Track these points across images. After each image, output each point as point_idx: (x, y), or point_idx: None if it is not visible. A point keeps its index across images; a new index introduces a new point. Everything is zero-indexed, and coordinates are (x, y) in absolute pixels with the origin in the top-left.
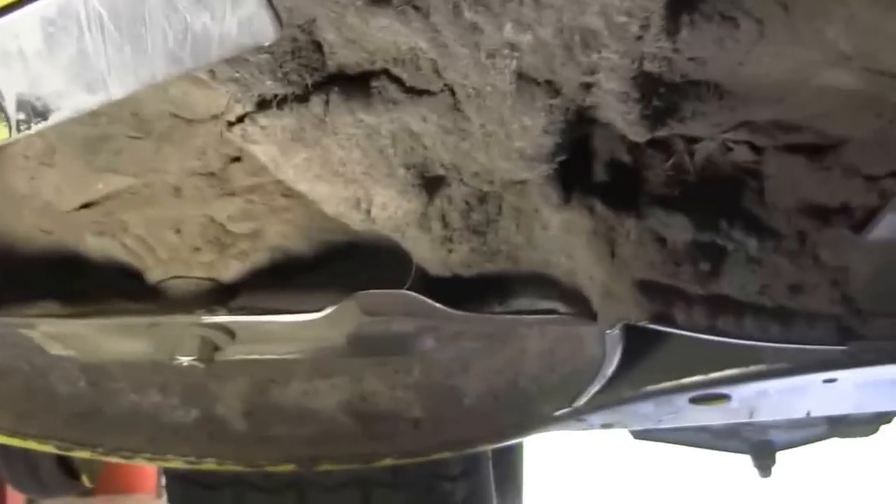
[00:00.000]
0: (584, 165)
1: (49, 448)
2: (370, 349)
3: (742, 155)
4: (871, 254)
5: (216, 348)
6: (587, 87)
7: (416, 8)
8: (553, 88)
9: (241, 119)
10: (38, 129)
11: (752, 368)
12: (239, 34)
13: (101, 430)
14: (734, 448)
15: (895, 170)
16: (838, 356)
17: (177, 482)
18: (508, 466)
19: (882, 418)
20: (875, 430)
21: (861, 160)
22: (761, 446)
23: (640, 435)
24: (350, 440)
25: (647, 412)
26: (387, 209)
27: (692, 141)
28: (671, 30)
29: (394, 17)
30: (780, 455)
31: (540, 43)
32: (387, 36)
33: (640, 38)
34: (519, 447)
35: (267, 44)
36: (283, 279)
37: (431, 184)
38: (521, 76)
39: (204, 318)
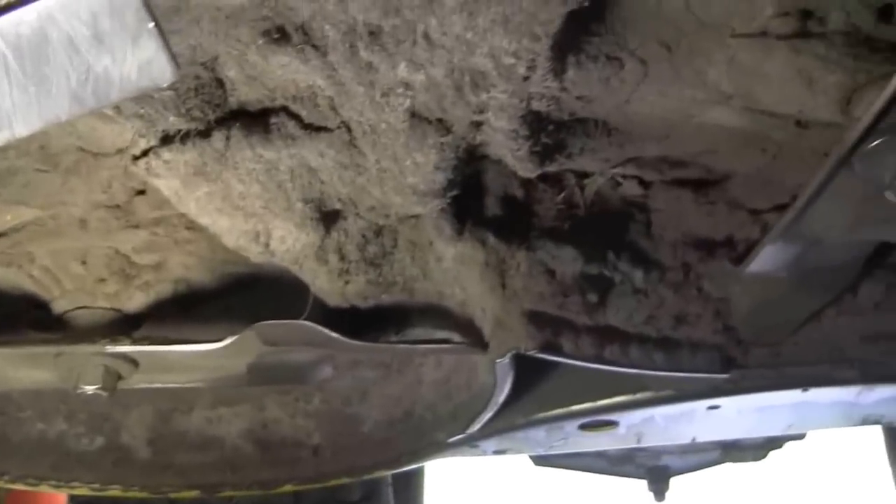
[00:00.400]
0: (477, 200)
1: None
2: (270, 378)
3: (630, 189)
4: (752, 286)
5: (120, 377)
6: (477, 125)
7: (315, 47)
8: (444, 126)
9: (145, 153)
10: None
11: (639, 396)
12: (139, 77)
13: (8, 457)
14: (630, 473)
15: (778, 204)
16: (721, 384)
17: None
18: (409, 492)
19: (772, 444)
20: (765, 455)
21: (745, 194)
22: (656, 471)
23: (539, 461)
24: (252, 467)
25: (539, 438)
26: (285, 242)
27: (582, 176)
28: (558, 70)
29: (293, 55)
30: (674, 480)
31: (432, 82)
32: (286, 74)
33: (527, 78)
34: (420, 472)
35: (165, 85)
36: (186, 310)
37: (328, 217)
38: (413, 114)
39: (108, 347)
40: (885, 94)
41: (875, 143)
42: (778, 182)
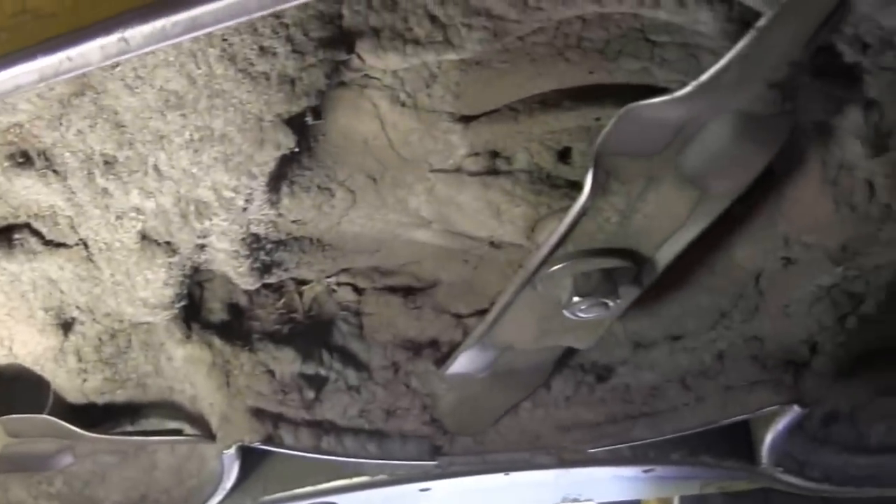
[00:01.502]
0: (205, 306)
1: None
2: (14, 467)
3: (345, 295)
4: (454, 384)
5: None
6: (202, 247)
7: (56, 171)
8: (172, 248)
9: None
10: None
11: (356, 480)
12: None
13: None
14: None
15: (479, 309)
16: (431, 469)
17: None
18: None
19: None
20: None
21: (449, 301)
22: None
23: None
24: None
25: None
26: (27, 346)
27: (301, 283)
28: (273, 201)
29: (36, 178)
30: None
31: (161, 209)
32: (30, 194)
33: (245, 209)
34: None
35: None
36: None
37: (67, 323)
38: (144, 237)
39: None
40: (562, 227)
41: (554, 268)
42: (479, 290)
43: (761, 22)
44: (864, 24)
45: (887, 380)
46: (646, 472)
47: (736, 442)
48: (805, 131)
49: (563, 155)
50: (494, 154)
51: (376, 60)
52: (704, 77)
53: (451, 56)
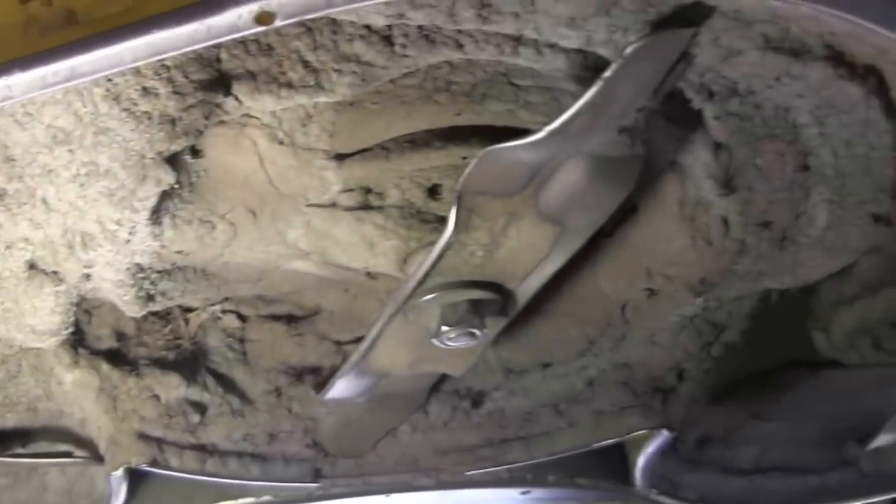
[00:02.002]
0: (93, 333)
1: None
2: None
3: (230, 323)
4: (334, 408)
5: None
6: (88, 276)
7: None
8: (59, 278)
9: None
10: None
11: (241, 501)
12: None
13: None
14: None
15: (358, 336)
16: (313, 491)
17: None
18: None
19: None
20: None
21: (331, 328)
22: None
23: None
24: None
25: None
26: None
27: (187, 311)
28: (156, 233)
29: None
30: None
31: (48, 240)
32: None
33: (129, 241)
34: None
35: None
36: None
37: None
38: (32, 266)
39: None
40: (428, 260)
41: (423, 299)
42: (359, 318)
43: (607, 72)
44: (708, 73)
45: (758, 404)
46: (523, 493)
47: (611, 465)
48: (664, 170)
49: (433, 191)
50: (367, 190)
51: (253, 102)
52: (555, 124)
53: (323, 99)
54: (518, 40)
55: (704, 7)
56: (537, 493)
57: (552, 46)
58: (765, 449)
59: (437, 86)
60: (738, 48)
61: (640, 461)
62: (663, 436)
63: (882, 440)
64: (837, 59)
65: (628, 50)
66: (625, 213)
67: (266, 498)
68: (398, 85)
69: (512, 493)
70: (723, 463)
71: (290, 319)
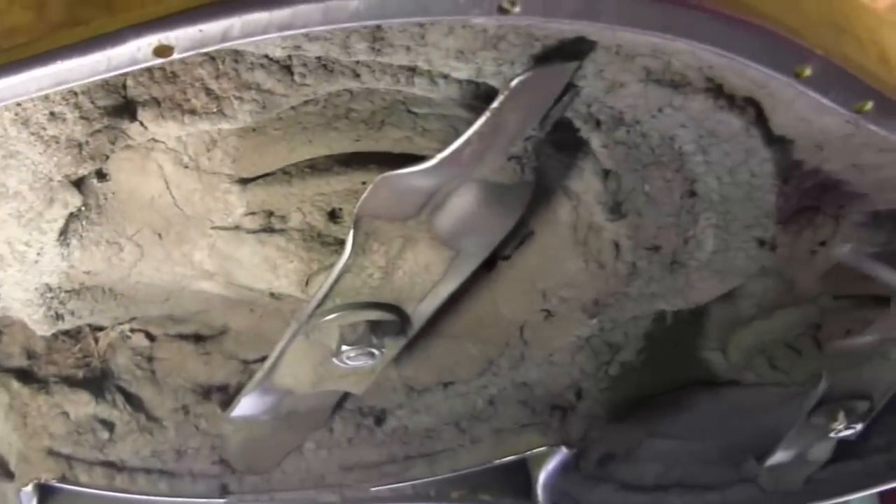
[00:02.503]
0: (3, 351)
1: None
2: None
3: (139, 342)
4: (239, 426)
5: None
6: None
7: None
8: None
9: None
10: None
11: None
12: None
13: None
14: None
15: (264, 355)
16: None
17: None
18: None
19: None
20: None
21: (238, 347)
22: None
23: None
24: None
25: None
26: None
27: (97, 329)
28: (64, 254)
29: None
30: None
31: None
32: None
33: (37, 261)
34: None
35: None
36: None
37: None
38: None
39: None
40: (327, 282)
41: (323, 319)
42: (265, 337)
43: (494, 104)
44: (594, 104)
45: (660, 422)
46: None
47: (514, 481)
48: (557, 196)
49: (334, 215)
50: (270, 213)
51: (157, 128)
52: (445, 153)
53: (225, 125)
54: (413, 70)
55: (587, 42)
56: None
57: (445, 77)
58: (666, 466)
59: (338, 113)
60: (621, 80)
61: (542, 478)
62: (563, 453)
63: (779, 457)
64: (717, 91)
65: (514, 82)
66: (522, 238)
67: None
68: (299, 112)
69: None
70: (625, 480)
71: (197, 339)
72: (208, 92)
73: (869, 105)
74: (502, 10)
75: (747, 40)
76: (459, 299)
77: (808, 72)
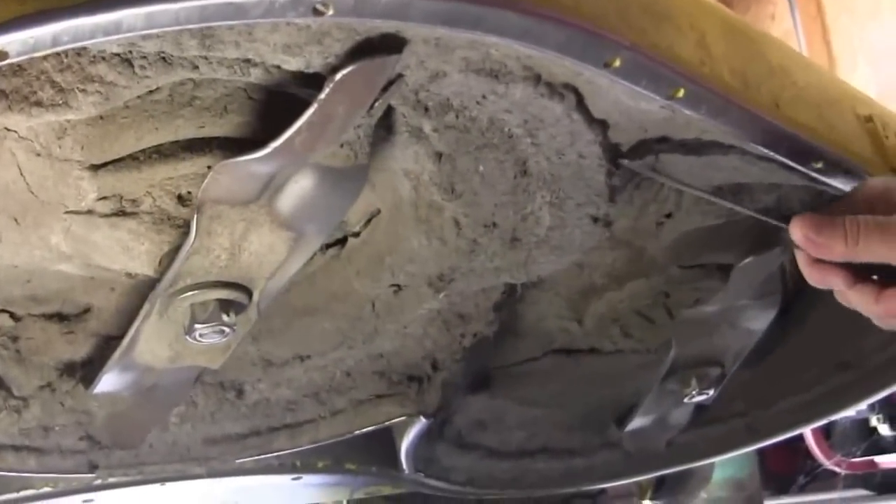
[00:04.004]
0: None
1: None
2: None
3: (3, 322)
4: (104, 402)
5: None
6: None
7: None
8: None
9: None
10: None
11: (23, 493)
12: None
13: None
14: None
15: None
16: (91, 481)
17: None
18: None
19: None
20: None
21: (102, 325)
22: None
23: None
24: None
25: None
26: None
27: None
28: None
29: None
30: None
31: None
32: None
33: None
34: None
35: None
36: None
37: None
38: None
39: None
40: (177, 263)
41: (176, 298)
42: (127, 315)
43: (322, 94)
44: (421, 92)
45: (523, 390)
46: (294, 479)
47: (380, 450)
48: (399, 178)
49: (182, 198)
50: (121, 198)
51: (6, 119)
52: (278, 141)
53: (71, 116)
54: (248, 62)
55: (404, 36)
56: (308, 479)
57: (279, 68)
58: (531, 433)
59: (182, 101)
60: (442, 70)
61: (404, 446)
62: (421, 422)
63: (639, 422)
64: (536, 79)
65: (338, 75)
66: (370, 216)
67: (46, 489)
68: (146, 101)
69: (283, 480)
70: (490, 447)
71: (61, 318)
72: (53, 84)
73: (681, 91)
74: (317, 12)
75: (556, 34)
76: (314, 276)
77: (617, 62)
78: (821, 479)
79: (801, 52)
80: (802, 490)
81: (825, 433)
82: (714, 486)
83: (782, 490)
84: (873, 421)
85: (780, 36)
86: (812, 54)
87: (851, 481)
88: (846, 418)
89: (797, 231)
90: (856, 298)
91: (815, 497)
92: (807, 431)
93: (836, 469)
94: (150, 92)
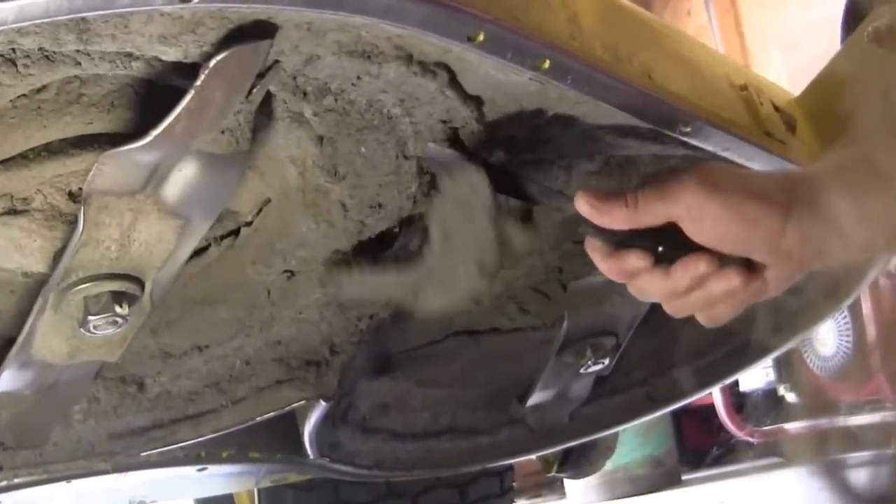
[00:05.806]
0: None
1: None
2: None
3: None
4: (5, 401)
5: None
6: None
7: None
8: None
9: None
10: None
11: None
12: None
13: None
14: None
15: None
16: None
17: None
18: None
19: None
20: None
21: (2, 328)
22: None
23: None
24: None
25: None
26: None
27: None
28: None
29: None
30: None
31: None
32: None
33: None
34: None
35: None
36: None
37: None
38: None
39: None
40: (66, 257)
41: (68, 292)
42: (26, 314)
43: (197, 82)
44: (299, 76)
45: (426, 372)
46: (200, 470)
47: (284, 437)
48: (284, 164)
49: (73, 195)
50: (12, 197)
51: None
52: (158, 129)
53: None
54: (129, 56)
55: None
56: (214, 469)
57: (159, 60)
58: (436, 414)
59: (70, 98)
60: (316, 54)
61: (307, 431)
62: (321, 406)
63: (540, 397)
64: (408, 58)
65: (213, 62)
66: (261, 204)
67: None
68: (34, 99)
69: (189, 471)
70: (395, 429)
71: None
72: None
73: (547, 62)
74: (183, 0)
75: (417, 12)
76: (209, 267)
77: (481, 37)
78: (737, 451)
79: (714, 43)
80: (717, 462)
81: (737, 407)
82: (633, 465)
83: (699, 464)
84: (781, 390)
85: (696, 30)
86: (726, 45)
87: (764, 450)
88: (757, 391)
89: (581, 202)
90: (649, 282)
91: (729, 468)
92: (719, 406)
93: (750, 439)
94: (38, 90)
